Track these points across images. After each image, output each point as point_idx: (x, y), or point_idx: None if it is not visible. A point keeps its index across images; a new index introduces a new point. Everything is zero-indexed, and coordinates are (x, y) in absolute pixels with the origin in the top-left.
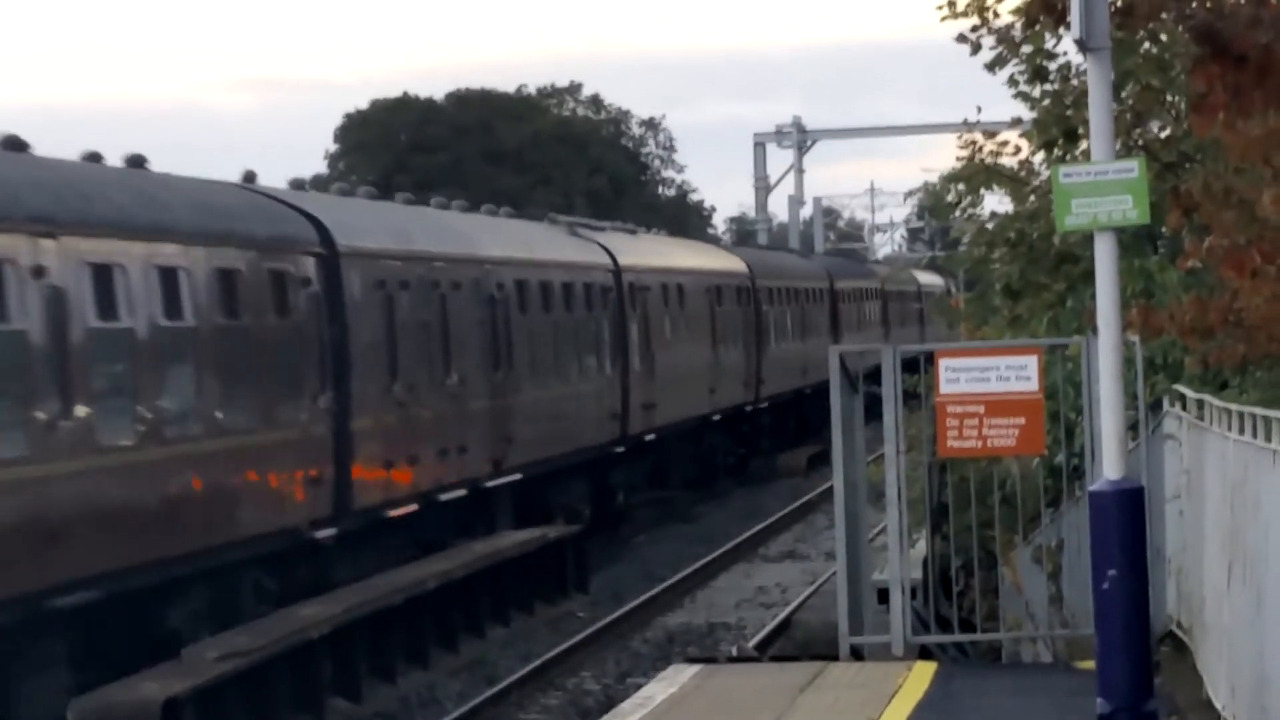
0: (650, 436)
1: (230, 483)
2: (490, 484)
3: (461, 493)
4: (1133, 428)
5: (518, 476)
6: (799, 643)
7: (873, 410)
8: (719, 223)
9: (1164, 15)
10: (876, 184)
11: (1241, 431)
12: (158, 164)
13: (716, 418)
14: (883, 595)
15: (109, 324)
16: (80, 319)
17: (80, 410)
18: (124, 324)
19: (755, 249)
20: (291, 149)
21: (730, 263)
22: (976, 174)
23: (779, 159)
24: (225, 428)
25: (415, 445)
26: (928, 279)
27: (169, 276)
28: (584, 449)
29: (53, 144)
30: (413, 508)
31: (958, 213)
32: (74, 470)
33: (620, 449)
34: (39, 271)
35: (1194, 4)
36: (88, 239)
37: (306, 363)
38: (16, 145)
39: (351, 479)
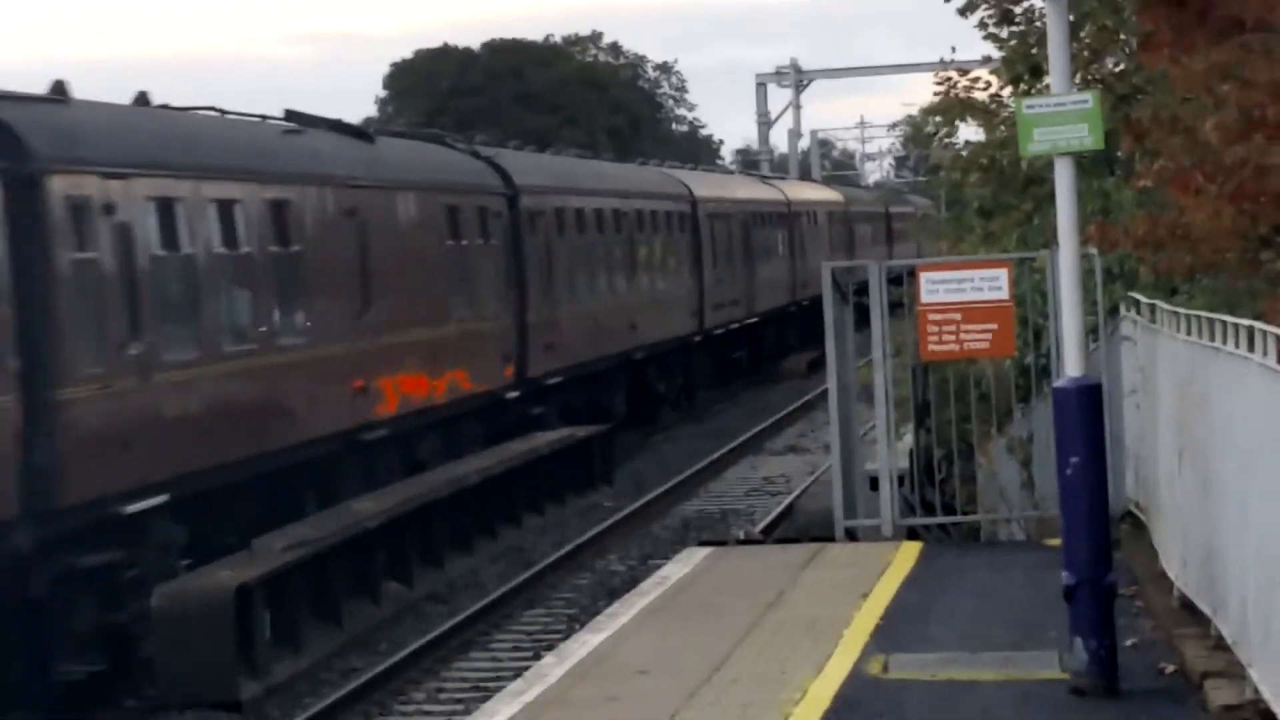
0: (806, 302)
1: (659, 305)
2: (744, 323)
3: (755, 320)
4: (1093, 331)
5: (755, 320)
6: (800, 526)
7: (863, 319)
8: (726, 155)
9: None
10: (865, 118)
11: (1189, 333)
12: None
13: None
14: (874, 483)
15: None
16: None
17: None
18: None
19: (848, 187)
20: (341, 95)
21: (838, 196)
22: (952, 107)
23: (779, 97)
24: (663, 282)
25: (731, 294)
26: None
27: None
28: (774, 307)
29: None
30: (734, 326)
31: (936, 142)
32: (599, 308)
33: (793, 309)
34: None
35: None
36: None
37: (689, 256)
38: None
39: (706, 312)
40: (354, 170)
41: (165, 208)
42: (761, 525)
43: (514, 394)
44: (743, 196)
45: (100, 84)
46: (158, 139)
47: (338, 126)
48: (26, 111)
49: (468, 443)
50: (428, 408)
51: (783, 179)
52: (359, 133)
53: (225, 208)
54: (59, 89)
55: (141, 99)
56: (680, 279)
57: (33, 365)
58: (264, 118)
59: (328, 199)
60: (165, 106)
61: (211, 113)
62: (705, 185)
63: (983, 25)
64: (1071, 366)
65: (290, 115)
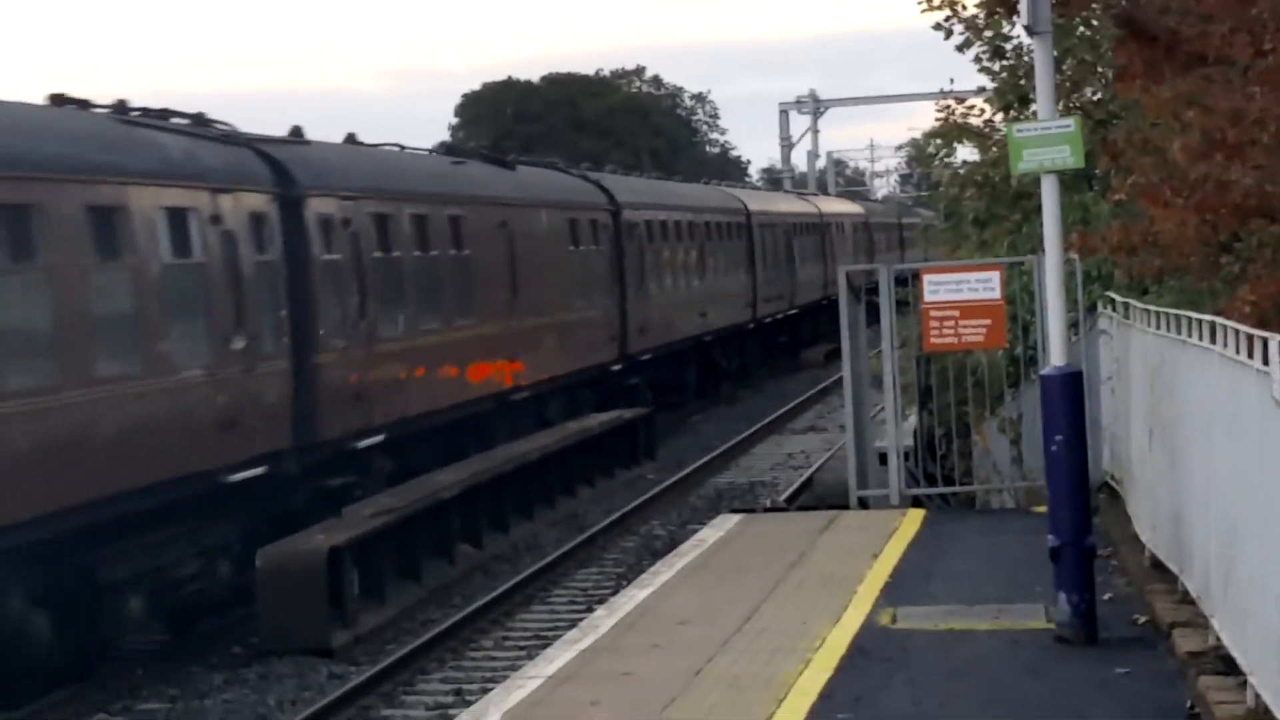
0: (835, 297)
1: (722, 299)
2: (786, 314)
3: (796, 311)
4: (1074, 326)
5: (795, 311)
6: (818, 496)
7: (874, 316)
8: (753, 173)
9: (1094, 4)
10: (875, 140)
11: (1158, 327)
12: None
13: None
14: (883, 458)
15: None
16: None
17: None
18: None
19: (866, 200)
20: (420, 122)
21: (860, 209)
22: (951, 131)
23: (799, 122)
24: (725, 280)
25: (777, 290)
26: None
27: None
28: (810, 300)
29: (252, 120)
30: (779, 316)
31: (937, 161)
32: (678, 299)
33: (825, 302)
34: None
35: None
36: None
37: (745, 259)
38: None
39: (758, 304)
40: (503, 192)
41: (380, 222)
42: (785, 495)
43: (617, 367)
44: (785, 210)
45: (221, 114)
46: (373, 170)
47: (487, 157)
48: (289, 151)
49: (583, 405)
50: (557, 375)
51: (816, 195)
52: (502, 162)
53: (419, 222)
54: (297, 132)
55: (350, 138)
56: (738, 277)
57: (298, 337)
58: (430, 151)
59: (486, 214)
60: (358, 143)
61: (394, 148)
62: (756, 201)
63: (978, 60)
64: (1056, 357)
65: (448, 149)
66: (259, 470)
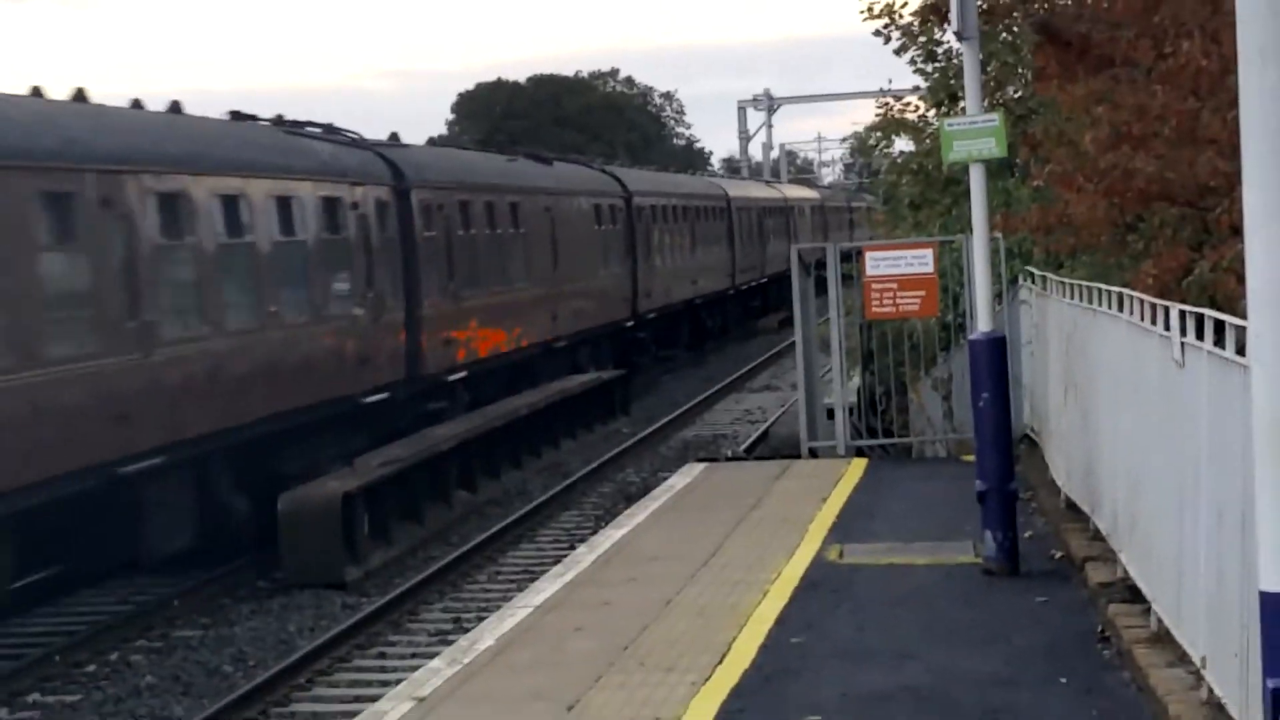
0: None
1: (708, 269)
2: (759, 282)
3: (765, 279)
4: (998, 296)
5: (765, 279)
6: (773, 447)
7: (822, 288)
8: (715, 163)
9: (1015, 13)
10: (822, 133)
11: (1072, 298)
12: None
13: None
14: (830, 413)
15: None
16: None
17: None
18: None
19: (819, 186)
20: (419, 118)
21: (817, 194)
22: (889, 125)
23: (755, 118)
24: (710, 253)
25: (751, 263)
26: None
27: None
28: (777, 271)
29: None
30: (753, 284)
31: (877, 152)
32: (675, 269)
33: (789, 272)
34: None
35: (1035, 4)
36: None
37: (725, 236)
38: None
39: (736, 274)
40: (546, 183)
41: (464, 207)
42: (744, 445)
43: (629, 324)
44: (757, 195)
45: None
46: (455, 167)
47: (531, 155)
48: (399, 153)
49: (604, 355)
50: (587, 329)
51: (782, 183)
52: (543, 158)
53: (489, 207)
54: (395, 136)
55: (431, 141)
56: (720, 252)
57: (408, 295)
58: (489, 151)
59: (536, 201)
60: (436, 145)
61: (460, 150)
62: (735, 188)
63: (913, 62)
64: (982, 323)
65: (499, 149)
66: (383, 395)
